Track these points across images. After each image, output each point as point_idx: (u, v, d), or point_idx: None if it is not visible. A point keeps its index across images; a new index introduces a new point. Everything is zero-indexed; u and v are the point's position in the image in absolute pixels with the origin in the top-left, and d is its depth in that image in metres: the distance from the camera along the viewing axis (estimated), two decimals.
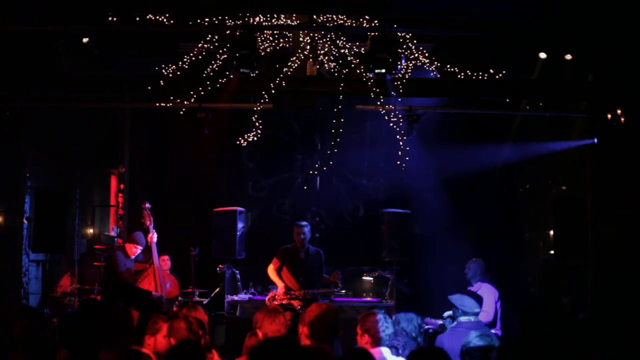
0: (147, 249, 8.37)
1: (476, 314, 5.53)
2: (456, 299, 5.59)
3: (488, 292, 7.71)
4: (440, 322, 7.66)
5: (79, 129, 10.42)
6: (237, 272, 8.54)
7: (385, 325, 4.35)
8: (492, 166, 10.25)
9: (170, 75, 8.48)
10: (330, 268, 8.40)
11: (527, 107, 9.76)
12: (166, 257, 9.03)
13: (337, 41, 8.71)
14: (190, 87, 8.45)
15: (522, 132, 10.22)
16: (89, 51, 8.81)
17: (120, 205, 10.76)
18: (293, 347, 3.34)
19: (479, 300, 5.67)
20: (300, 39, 8.58)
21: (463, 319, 5.46)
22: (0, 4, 7.63)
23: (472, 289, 7.76)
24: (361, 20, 8.29)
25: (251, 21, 8.32)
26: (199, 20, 8.17)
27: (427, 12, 8.13)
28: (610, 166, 9.01)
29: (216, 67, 8.59)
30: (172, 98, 8.54)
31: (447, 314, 7.05)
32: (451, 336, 5.28)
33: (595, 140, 9.18)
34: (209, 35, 8.44)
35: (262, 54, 8.39)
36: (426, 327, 7.70)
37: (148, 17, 8.07)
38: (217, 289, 9.00)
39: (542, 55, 9.05)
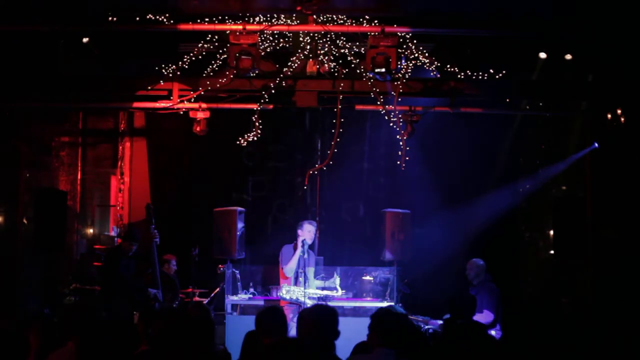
0: (150, 252, 8.31)
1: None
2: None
3: (489, 292, 7.71)
4: (440, 322, 7.65)
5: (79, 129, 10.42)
6: (237, 272, 8.52)
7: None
8: (493, 166, 10.25)
9: (170, 75, 8.49)
10: (329, 269, 8.38)
11: (527, 107, 9.75)
12: (171, 259, 9.00)
13: (337, 41, 8.71)
14: (190, 87, 8.46)
15: (521, 135, 10.22)
16: (90, 51, 8.80)
17: (120, 205, 10.76)
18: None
19: (473, 302, 5.63)
20: (300, 39, 8.58)
21: None
22: (0, 4, 7.64)
23: (473, 289, 7.76)
24: (361, 20, 8.29)
25: (251, 21, 8.33)
26: (199, 20, 8.18)
27: (427, 12, 8.15)
28: (610, 166, 9.01)
29: (216, 67, 8.60)
30: (172, 98, 8.56)
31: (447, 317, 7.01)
32: None
33: (596, 144, 9.18)
34: (209, 35, 8.44)
35: (262, 54, 8.40)
36: (426, 327, 7.70)
37: (148, 17, 8.08)
38: (217, 289, 9.00)
39: (542, 55, 9.04)
